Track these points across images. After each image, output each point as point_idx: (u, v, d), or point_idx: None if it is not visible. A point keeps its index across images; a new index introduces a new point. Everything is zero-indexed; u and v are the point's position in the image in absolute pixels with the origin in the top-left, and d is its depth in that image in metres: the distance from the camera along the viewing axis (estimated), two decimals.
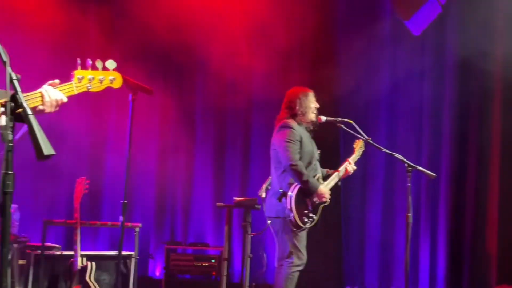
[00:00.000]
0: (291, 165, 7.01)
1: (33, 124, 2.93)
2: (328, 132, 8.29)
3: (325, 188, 7.24)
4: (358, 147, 7.64)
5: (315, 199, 7.15)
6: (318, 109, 7.43)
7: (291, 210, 7.03)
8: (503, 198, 9.37)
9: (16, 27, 9.12)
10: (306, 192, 7.08)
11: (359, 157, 7.64)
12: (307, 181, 7.03)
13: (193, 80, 10.31)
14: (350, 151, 7.71)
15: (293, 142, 7.08)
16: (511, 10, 9.36)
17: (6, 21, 9.02)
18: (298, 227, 7.07)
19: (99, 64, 3.67)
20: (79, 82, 3.65)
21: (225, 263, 8.73)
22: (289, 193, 7.07)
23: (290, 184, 7.14)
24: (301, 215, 7.03)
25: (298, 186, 7.05)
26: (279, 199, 7.17)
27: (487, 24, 9.39)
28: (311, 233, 7.38)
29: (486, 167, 9.61)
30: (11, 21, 9.12)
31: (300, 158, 7.13)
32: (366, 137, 7.28)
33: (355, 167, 7.59)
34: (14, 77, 2.95)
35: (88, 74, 3.67)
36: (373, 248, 9.91)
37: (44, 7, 9.20)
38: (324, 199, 7.17)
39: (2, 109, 3.09)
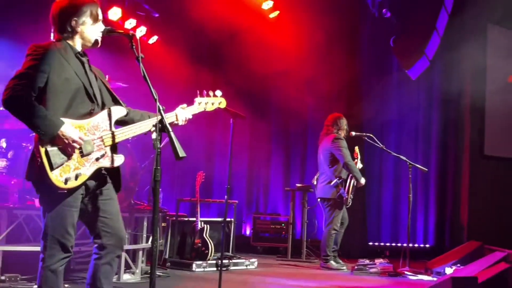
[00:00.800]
0: (347, 162, 8.00)
1: (173, 137, 3.19)
2: (356, 141, 8.66)
3: (363, 179, 8.18)
4: (357, 154, 8.40)
5: (359, 185, 8.23)
6: (349, 127, 8.38)
7: (347, 193, 8.05)
8: (472, 185, 10.18)
9: (160, 75, 9.49)
10: (357, 181, 8.08)
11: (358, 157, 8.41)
12: (357, 174, 8.05)
13: (268, 108, 11.03)
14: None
15: (345, 148, 8.02)
16: (475, 65, 10.07)
17: (154, 71, 8.88)
18: (346, 204, 8.12)
19: (211, 93, 3.95)
20: (199, 105, 3.92)
21: (290, 226, 9.61)
22: (348, 182, 8.08)
23: (340, 177, 8.11)
24: (349, 197, 8.10)
25: (352, 178, 8.09)
26: (337, 186, 8.10)
27: (460, 72, 10.08)
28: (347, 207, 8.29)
29: (460, 163, 10.40)
30: (158, 71, 9.29)
31: None
32: (381, 145, 8.28)
33: None
34: (161, 108, 3.28)
35: (205, 99, 3.94)
36: (387, 216, 10.60)
37: (176, 63, 10.01)
38: (360, 185, 8.22)
39: (153, 128, 3.39)
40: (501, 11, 10.02)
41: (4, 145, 6.29)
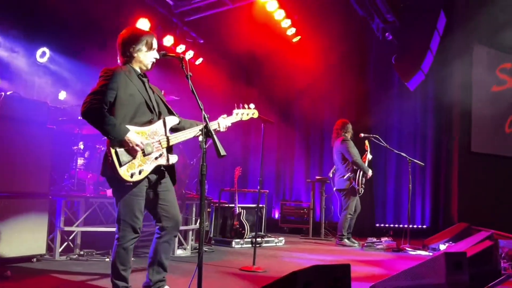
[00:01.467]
0: (354, 161, 8.01)
1: (215, 139, 3.24)
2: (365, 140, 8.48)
3: (370, 170, 8.17)
4: (368, 147, 8.36)
5: (367, 177, 8.16)
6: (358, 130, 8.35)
7: (357, 184, 8.01)
8: (460, 176, 10.04)
9: (205, 90, 9.56)
10: (364, 174, 8.06)
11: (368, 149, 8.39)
12: (365, 169, 8.01)
13: (292, 115, 11.10)
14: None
15: (352, 147, 8.04)
16: (463, 77, 10.13)
17: (200, 87, 10.19)
18: (359, 193, 8.09)
19: (246, 105, 4.04)
20: (236, 115, 3.99)
21: (311, 211, 9.64)
22: (357, 175, 8.04)
23: (355, 171, 8.05)
24: (360, 187, 8.09)
25: (361, 172, 8.06)
26: (349, 179, 8.10)
27: (451, 84, 10.06)
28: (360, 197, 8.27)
29: (451, 158, 10.27)
30: (203, 87, 9.22)
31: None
32: (385, 144, 8.25)
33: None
34: (206, 116, 3.31)
35: (241, 111, 4.02)
36: (390, 202, 10.54)
37: (218, 80, 10.21)
38: (368, 177, 8.16)
39: (200, 132, 3.45)
40: (485, 33, 9.95)
41: (82, 147, 6.44)
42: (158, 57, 3.63)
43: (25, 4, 7.07)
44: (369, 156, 8.41)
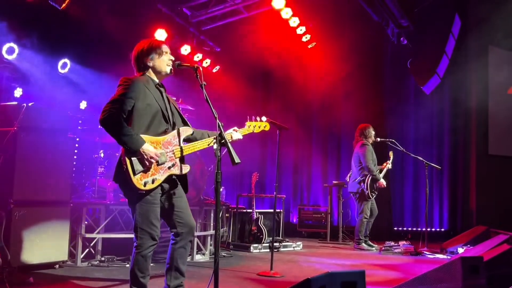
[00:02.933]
0: (367, 166, 8.00)
1: (230, 147, 3.29)
2: (382, 145, 8.67)
3: (382, 180, 8.18)
4: (391, 156, 8.45)
5: (377, 184, 8.14)
6: (375, 135, 8.33)
7: (366, 188, 8.01)
8: (478, 179, 9.97)
9: (222, 96, 9.92)
10: (374, 180, 8.08)
11: (391, 159, 8.44)
12: (375, 175, 8.01)
13: (309, 121, 10.92)
14: (394, 155, 8.54)
15: (370, 152, 8.04)
16: (479, 80, 10.04)
17: (218, 93, 9.72)
18: (369, 197, 8.05)
19: (258, 118, 4.06)
20: (248, 127, 4.03)
21: (329, 215, 9.53)
22: (366, 179, 8.04)
23: (365, 175, 8.08)
24: (370, 191, 8.03)
25: (371, 177, 8.04)
26: (359, 183, 8.12)
27: (466, 87, 10.07)
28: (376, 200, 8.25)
29: (468, 161, 10.20)
30: (220, 93, 9.88)
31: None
32: (402, 148, 8.18)
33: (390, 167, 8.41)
34: (220, 124, 3.33)
35: (253, 123, 4.05)
36: (408, 206, 10.42)
37: (235, 86, 10.07)
38: (382, 186, 8.18)
39: (214, 140, 3.40)
40: (500, 35, 9.79)
41: (102, 155, 6.51)
42: (173, 58, 3.68)
43: (46, 16, 7.15)
44: (389, 165, 8.43)
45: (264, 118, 4.05)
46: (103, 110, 3.33)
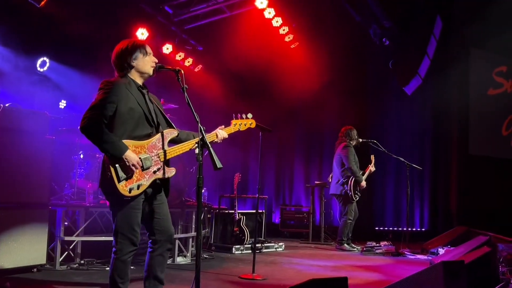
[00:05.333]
0: (349, 167, 8.04)
1: (212, 152, 3.22)
2: (365, 147, 8.68)
3: (364, 181, 8.20)
4: (373, 160, 8.52)
5: (360, 186, 8.15)
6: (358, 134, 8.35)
7: (349, 190, 8.05)
8: (459, 179, 10.03)
9: (203, 95, 9.89)
10: (358, 182, 8.10)
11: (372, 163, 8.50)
12: (358, 177, 8.04)
13: (291, 122, 10.91)
14: (376, 155, 8.57)
15: (352, 154, 8.06)
16: (460, 81, 10.09)
17: (199, 93, 9.68)
18: (352, 200, 8.10)
19: (244, 116, 3.97)
20: (234, 126, 3.94)
21: (311, 215, 9.59)
22: (349, 181, 8.09)
23: (348, 176, 8.11)
24: (354, 193, 8.07)
25: (354, 178, 8.09)
26: (343, 185, 8.15)
27: (447, 88, 10.02)
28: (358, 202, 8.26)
29: (449, 161, 10.26)
30: (202, 93, 9.91)
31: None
32: (383, 149, 8.26)
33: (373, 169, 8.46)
34: (203, 128, 3.27)
35: (239, 121, 3.97)
36: (390, 206, 10.47)
37: (217, 86, 10.21)
38: (363, 187, 8.17)
39: (196, 144, 3.41)
40: (481, 36, 9.89)
41: (81, 156, 6.42)
42: (156, 61, 3.59)
43: (24, 13, 7.04)
44: (372, 168, 8.48)
45: (250, 115, 3.98)
46: (83, 117, 3.23)
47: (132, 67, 3.51)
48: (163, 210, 3.54)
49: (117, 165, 3.25)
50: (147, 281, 3.54)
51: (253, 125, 4.08)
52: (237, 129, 3.97)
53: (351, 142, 8.32)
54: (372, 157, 8.55)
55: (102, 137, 3.20)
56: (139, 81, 3.56)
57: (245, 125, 4.01)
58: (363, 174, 8.30)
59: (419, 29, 9.38)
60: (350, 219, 8.18)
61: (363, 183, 8.18)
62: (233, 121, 3.97)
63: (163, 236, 3.51)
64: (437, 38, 9.40)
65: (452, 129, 10.36)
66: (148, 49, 3.58)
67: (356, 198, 8.17)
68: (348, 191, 8.10)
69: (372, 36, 9.35)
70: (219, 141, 3.79)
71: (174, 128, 3.66)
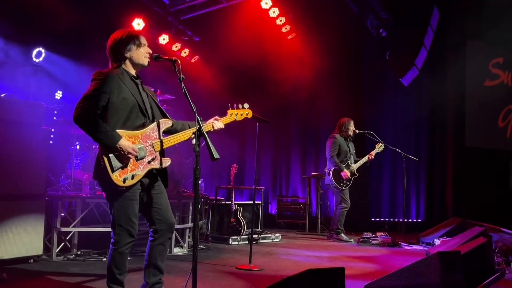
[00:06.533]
0: (330, 158, 8.13)
1: (209, 142, 3.20)
2: (361, 138, 8.76)
3: (349, 168, 8.12)
4: (379, 146, 8.34)
5: (343, 175, 8.04)
6: (354, 125, 8.29)
7: (331, 180, 8.08)
8: (455, 170, 10.08)
9: (200, 86, 9.92)
10: (338, 171, 8.06)
11: (378, 151, 8.33)
12: (338, 166, 8.01)
13: (288, 112, 10.96)
14: (372, 148, 8.38)
15: (335, 144, 8.09)
16: (456, 73, 10.13)
17: (196, 83, 9.79)
18: (337, 188, 8.07)
19: (240, 106, 3.94)
20: (230, 116, 3.89)
21: (307, 206, 9.62)
22: (330, 171, 8.12)
23: (337, 163, 8.09)
24: (337, 182, 8.04)
25: (333, 168, 8.11)
26: (328, 174, 8.21)
27: (444, 79, 10.13)
28: (351, 190, 8.22)
29: (445, 153, 10.33)
30: (199, 84, 9.85)
31: (338, 154, 8.13)
32: (380, 140, 8.29)
33: (373, 157, 8.26)
34: (200, 119, 3.26)
35: (235, 111, 3.93)
36: (386, 197, 10.48)
37: (213, 77, 10.16)
38: (346, 177, 8.03)
39: (193, 135, 3.37)
40: (478, 28, 9.84)
41: (78, 147, 6.41)
42: (150, 51, 3.56)
43: (18, 2, 6.98)
44: (381, 148, 8.37)
45: (246, 105, 3.96)
46: (76, 107, 3.21)
47: (126, 58, 3.50)
48: (162, 200, 3.54)
49: (110, 155, 3.23)
50: (147, 270, 3.55)
51: (250, 115, 4.05)
52: (233, 119, 3.93)
53: (341, 134, 8.31)
54: (379, 145, 8.39)
55: (95, 126, 3.19)
56: (133, 71, 3.54)
57: (241, 115, 3.98)
58: (355, 162, 8.29)
59: (416, 20, 9.37)
60: (345, 207, 8.15)
61: (345, 172, 8.09)
62: (229, 111, 3.93)
63: (164, 226, 3.52)
64: (434, 29, 9.43)
65: (448, 121, 10.37)
66: (143, 40, 3.56)
67: (342, 187, 8.11)
68: (330, 182, 8.13)
69: (369, 27, 9.35)
70: (214, 131, 3.76)
71: (169, 118, 3.64)
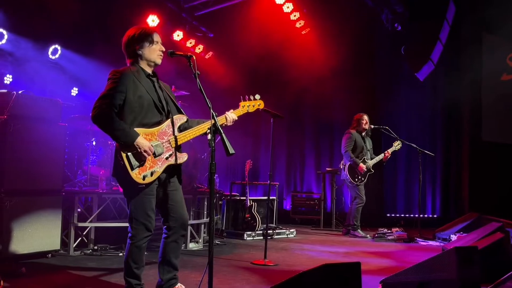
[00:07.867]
0: (344, 152, 8.13)
1: (224, 138, 3.18)
2: (377, 134, 8.85)
3: (365, 164, 8.06)
4: (396, 144, 8.26)
5: (358, 169, 8.04)
6: (369, 121, 8.25)
7: (346, 175, 8.08)
8: (471, 165, 9.92)
9: (214, 81, 9.93)
10: (354, 166, 8.06)
11: (395, 149, 8.27)
12: (354, 161, 8.00)
13: (302, 108, 10.92)
14: (388, 143, 8.47)
15: (350, 139, 8.08)
16: (472, 67, 9.88)
17: (210, 79, 9.86)
18: (351, 183, 8.05)
19: (251, 97, 3.93)
20: (243, 107, 3.89)
21: (322, 202, 9.62)
22: (346, 167, 8.12)
23: (352, 158, 8.07)
24: (353, 177, 8.04)
25: (349, 163, 8.11)
26: (344, 169, 8.20)
27: (460, 73, 9.93)
28: (366, 186, 8.20)
29: (461, 148, 10.17)
30: (213, 79, 9.96)
31: (353, 149, 8.11)
32: (395, 135, 8.19)
33: (389, 155, 8.20)
34: (214, 114, 3.26)
35: (247, 103, 3.92)
36: (401, 193, 10.41)
37: (227, 72, 10.20)
38: (362, 171, 8.03)
39: (208, 130, 3.25)
40: (494, 21, 9.61)
41: (94, 143, 6.46)
42: (164, 49, 3.58)
43: (36, 2, 7.04)
44: (398, 146, 8.31)
45: (257, 96, 3.95)
46: (94, 107, 3.25)
47: (139, 55, 3.52)
48: (177, 196, 3.57)
49: (129, 153, 3.27)
50: (162, 267, 3.59)
51: (262, 106, 4.03)
52: (246, 111, 3.93)
53: (356, 129, 8.29)
54: (397, 143, 8.33)
55: (113, 125, 3.22)
56: (148, 69, 3.56)
57: (253, 106, 3.97)
58: (372, 159, 8.23)
59: (431, 14, 9.27)
60: (360, 203, 8.12)
61: (362, 165, 8.05)
62: (241, 103, 3.93)
63: (177, 223, 3.55)
64: (450, 23, 9.33)
65: (464, 115, 10.24)
66: (156, 37, 3.57)
67: (357, 182, 8.08)
68: (346, 177, 8.12)
69: (384, 21, 9.30)
70: (229, 124, 3.76)
71: (184, 114, 3.67)
